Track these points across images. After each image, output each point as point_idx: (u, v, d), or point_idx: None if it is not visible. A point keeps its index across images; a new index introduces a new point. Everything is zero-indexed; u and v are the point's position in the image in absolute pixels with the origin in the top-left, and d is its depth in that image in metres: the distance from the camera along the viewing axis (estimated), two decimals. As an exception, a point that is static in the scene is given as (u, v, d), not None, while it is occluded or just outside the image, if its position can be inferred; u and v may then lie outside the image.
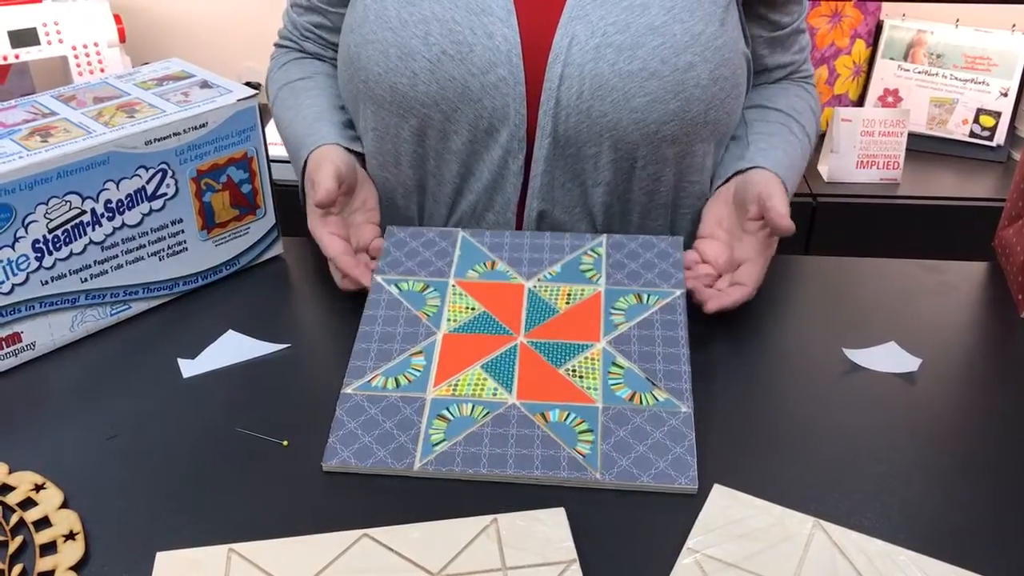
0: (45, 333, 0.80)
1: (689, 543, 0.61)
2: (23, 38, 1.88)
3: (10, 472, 0.68)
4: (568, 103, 0.86)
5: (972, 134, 2.08)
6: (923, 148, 2.08)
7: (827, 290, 0.92)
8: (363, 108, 0.93)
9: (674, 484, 0.67)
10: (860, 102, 2.18)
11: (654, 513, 0.65)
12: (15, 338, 0.78)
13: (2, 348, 0.78)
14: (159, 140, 0.81)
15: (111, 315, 0.84)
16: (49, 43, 1.89)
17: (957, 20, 2.08)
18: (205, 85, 0.88)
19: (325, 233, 0.86)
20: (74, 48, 1.87)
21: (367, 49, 0.90)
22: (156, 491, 0.68)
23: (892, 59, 2.14)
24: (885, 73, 2.15)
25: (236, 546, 0.62)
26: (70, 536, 0.63)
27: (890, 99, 2.15)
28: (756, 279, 0.85)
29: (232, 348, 0.81)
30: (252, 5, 2.02)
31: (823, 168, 1.98)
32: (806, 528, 0.63)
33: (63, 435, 0.73)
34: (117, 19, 1.86)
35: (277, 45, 1.07)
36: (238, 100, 0.85)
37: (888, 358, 0.80)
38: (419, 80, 0.87)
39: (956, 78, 2.10)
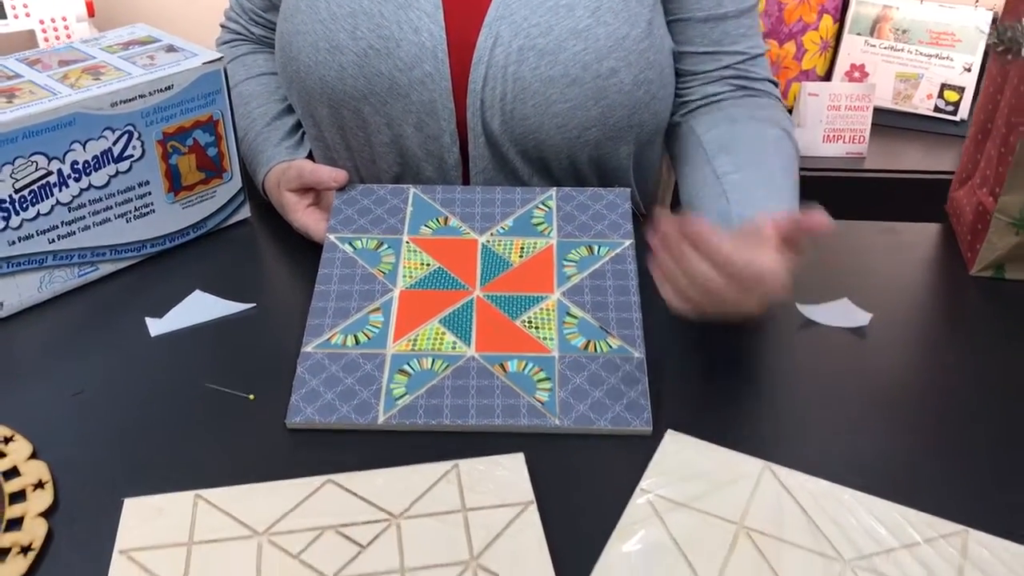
0: (13, 293, 0.80)
1: (642, 484, 0.64)
2: (-10, 12, 1.87)
3: (-22, 426, 0.70)
4: (492, 104, 0.87)
5: (936, 109, 2.11)
6: (889, 123, 2.11)
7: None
8: (296, 96, 0.94)
9: (630, 427, 0.69)
10: (828, 77, 2.20)
11: (610, 456, 0.68)
12: (-18, 298, 0.79)
13: (-30, 307, 0.78)
14: (125, 102, 0.81)
15: (79, 276, 0.85)
16: (16, 16, 1.89)
17: (922, -4, 2.11)
18: (171, 49, 0.89)
19: (312, 221, 0.88)
20: (42, 22, 1.86)
21: (298, 40, 0.90)
22: (124, 444, 0.69)
23: (859, 34, 2.17)
24: (852, 48, 2.18)
25: (202, 492, 0.64)
26: (39, 485, 0.65)
27: (856, 74, 2.18)
28: None
29: (199, 308, 0.82)
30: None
31: (790, 142, 2.00)
32: (755, 470, 0.65)
33: (31, 391, 0.74)
34: (85, -8, 1.85)
35: (223, 26, 1.07)
36: (204, 63, 0.86)
37: (840, 313, 0.83)
38: (347, 74, 0.88)
39: (921, 53, 2.13)
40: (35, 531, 0.61)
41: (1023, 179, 0.83)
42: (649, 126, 0.92)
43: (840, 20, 2.18)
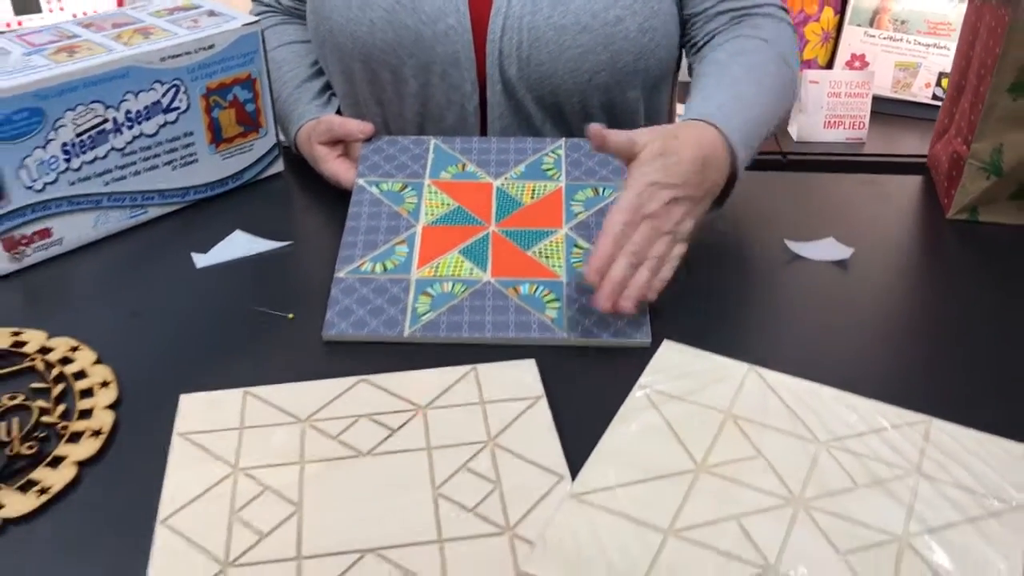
0: (71, 230, 0.89)
1: (641, 381, 0.71)
2: (26, 5, 1.97)
3: (48, 338, 0.78)
4: (510, 52, 0.96)
5: (935, 96, 2.18)
6: (889, 111, 2.19)
7: (775, 198, 1.02)
8: (329, 55, 1.03)
9: (631, 340, 0.77)
10: (829, 67, 2.28)
11: (613, 364, 0.75)
12: (45, 233, 0.87)
13: (34, 242, 0.87)
14: (172, 58, 0.90)
15: (130, 217, 0.93)
16: (51, 11, 1.98)
17: (919, -14, 2.18)
18: (212, 14, 0.97)
19: (343, 170, 0.96)
20: (75, 16, 1.95)
21: (330, 6, 0.99)
22: (177, 355, 0.77)
23: (859, 25, 2.24)
24: (852, 39, 2.26)
25: (251, 389, 0.72)
26: (104, 384, 0.73)
27: (857, 64, 2.26)
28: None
29: (240, 244, 0.91)
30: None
31: (792, 128, 2.08)
32: (742, 371, 0.73)
33: (92, 313, 0.82)
34: (118, -14, 1.95)
35: (255, 0, 1.16)
36: (242, 25, 0.94)
37: (825, 249, 0.90)
38: (376, 28, 0.97)
39: (919, 43, 2.21)
40: (104, 419, 0.69)
41: (993, 126, 0.90)
42: (655, 71, 1.01)
43: (841, 12, 2.25)
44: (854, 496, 0.61)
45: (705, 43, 1.02)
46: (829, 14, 2.25)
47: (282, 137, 1.05)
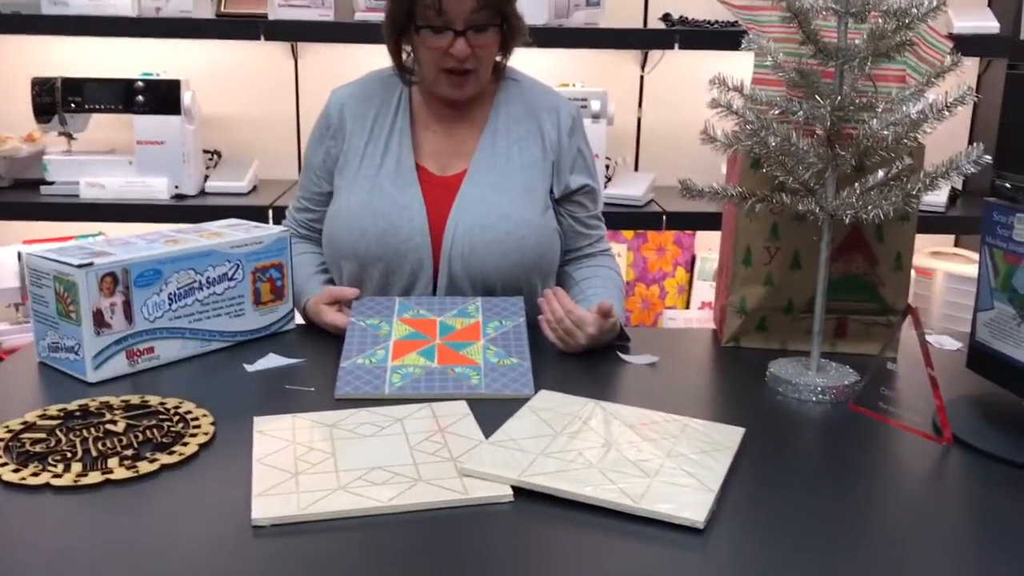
0: (167, 350, 1.39)
1: (528, 404, 1.23)
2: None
3: (161, 400, 1.26)
4: (456, 259, 1.55)
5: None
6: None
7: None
8: (338, 262, 1.61)
9: (521, 392, 1.29)
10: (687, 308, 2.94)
11: (511, 404, 1.26)
12: (151, 350, 1.37)
13: (144, 355, 1.36)
14: (237, 247, 1.45)
15: (201, 346, 1.43)
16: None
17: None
18: (257, 227, 1.54)
19: (338, 318, 1.50)
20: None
21: (340, 229, 1.59)
22: (242, 407, 1.26)
23: (705, 280, 2.93)
24: (701, 291, 2.94)
25: (297, 414, 1.20)
26: (204, 415, 1.20)
27: (707, 309, 2.92)
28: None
29: (273, 360, 1.41)
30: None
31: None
32: (590, 405, 1.25)
33: (181, 396, 1.31)
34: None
35: (284, 224, 1.75)
36: (279, 231, 1.51)
37: (645, 358, 1.45)
38: (371, 246, 1.56)
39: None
40: (208, 428, 1.17)
41: (738, 285, 1.50)
42: (546, 267, 1.62)
43: (691, 271, 2.95)
44: (636, 448, 1.13)
45: (571, 260, 1.70)
46: (681, 272, 2.94)
47: (297, 305, 1.59)
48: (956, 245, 3.00)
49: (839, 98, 1.26)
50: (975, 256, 2.47)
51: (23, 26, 2.56)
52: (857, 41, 1.28)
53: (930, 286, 2.73)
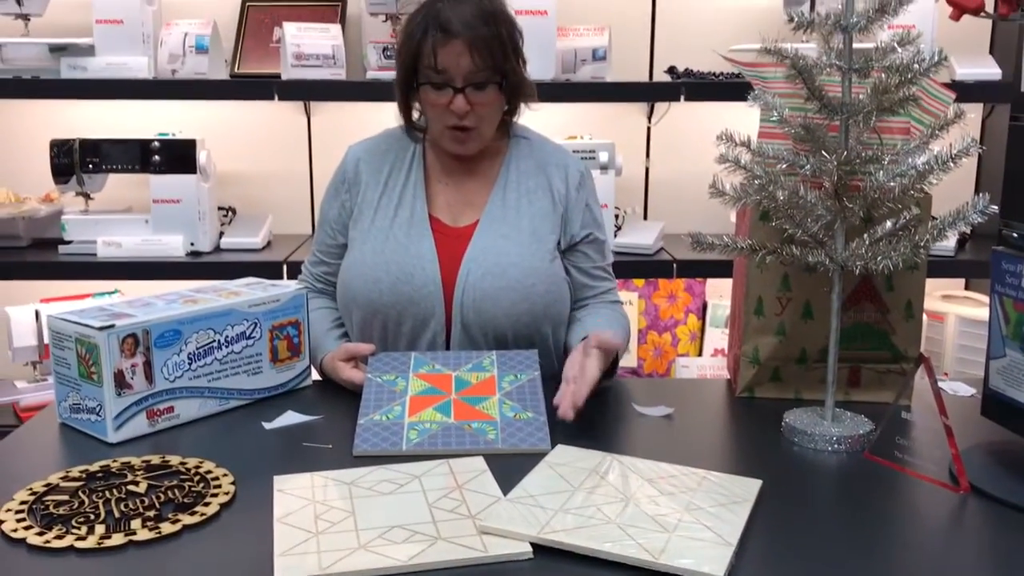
0: (186, 409, 1.40)
1: (545, 460, 1.24)
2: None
3: (182, 460, 1.27)
4: (467, 307, 1.58)
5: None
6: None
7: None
8: (351, 312, 1.63)
9: (538, 447, 1.29)
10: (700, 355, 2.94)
11: (529, 459, 1.27)
12: (170, 409, 1.39)
13: (163, 415, 1.38)
14: (254, 306, 1.47)
15: (219, 405, 1.45)
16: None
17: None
18: (273, 285, 1.56)
19: (355, 374, 1.52)
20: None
21: (354, 279, 1.62)
22: (264, 463, 1.27)
23: (717, 327, 2.94)
24: (714, 337, 2.94)
25: (315, 472, 1.21)
26: (224, 475, 1.22)
27: (719, 356, 2.92)
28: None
29: (291, 417, 1.43)
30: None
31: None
32: (609, 456, 1.25)
33: (201, 455, 1.32)
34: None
35: (300, 279, 1.78)
36: (295, 289, 1.54)
37: (661, 409, 1.46)
38: (384, 294, 1.58)
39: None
40: (228, 487, 1.18)
41: (750, 335, 1.51)
42: (556, 318, 1.63)
43: (702, 317, 2.96)
44: (654, 502, 1.13)
45: (581, 307, 1.70)
46: (693, 319, 2.95)
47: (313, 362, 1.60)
48: (967, 288, 3.00)
49: (845, 152, 1.28)
50: (986, 299, 2.49)
51: (43, 90, 2.61)
52: (861, 96, 1.30)
53: (942, 330, 2.74)
